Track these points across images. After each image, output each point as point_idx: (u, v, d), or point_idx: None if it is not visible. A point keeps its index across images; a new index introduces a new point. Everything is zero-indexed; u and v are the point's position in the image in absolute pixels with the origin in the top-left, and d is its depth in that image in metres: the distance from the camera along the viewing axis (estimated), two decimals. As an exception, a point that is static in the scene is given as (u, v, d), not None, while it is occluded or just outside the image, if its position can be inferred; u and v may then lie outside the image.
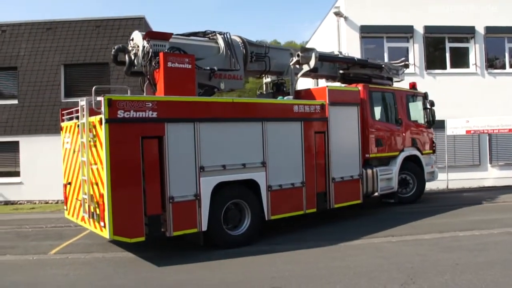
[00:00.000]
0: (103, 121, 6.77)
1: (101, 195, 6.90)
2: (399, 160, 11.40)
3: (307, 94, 10.06)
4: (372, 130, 10.71)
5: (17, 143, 16.71)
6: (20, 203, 16.16)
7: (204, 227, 7.70)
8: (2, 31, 17.22)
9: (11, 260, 8.02)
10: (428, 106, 12.41)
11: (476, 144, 16.86)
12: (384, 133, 11.06)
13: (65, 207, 8.86)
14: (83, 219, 7.87)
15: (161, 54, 7.83)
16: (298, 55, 9.78)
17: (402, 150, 11.55)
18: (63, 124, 8.84)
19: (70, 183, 8.46)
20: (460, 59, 17.23)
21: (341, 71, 11.36)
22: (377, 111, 11.19)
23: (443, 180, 15.57)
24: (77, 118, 7.89)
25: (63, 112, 8.93)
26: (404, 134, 11.63)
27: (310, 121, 9.32)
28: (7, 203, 16.35)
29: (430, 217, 10.32)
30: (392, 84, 12.35)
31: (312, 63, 9.74)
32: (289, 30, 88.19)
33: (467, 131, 15.65)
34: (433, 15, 16.47)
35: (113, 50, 8.38)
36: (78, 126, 7.82)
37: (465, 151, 16.88)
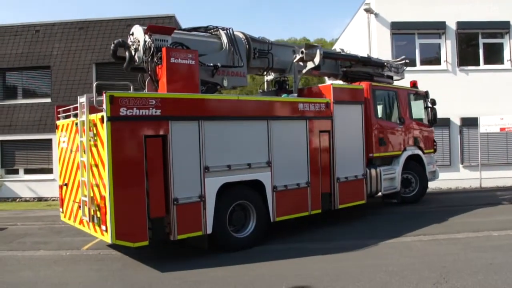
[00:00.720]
0: (105, 119, 6.41)
1: (103, 197, 6.55)
2: (402, 159, 11.22)
3: (310, 92, 9.80)
4: (376, 129, 10.50)
5: (50, 140, 16.94)
6: (53, 200, 16.33)
7: (209, 230, 7.40)
8: (36, 31, 17.66)
9: (45, 256, 8.09)
10: (430, 105, 12.26)
11: (511, 142, 16.50)
12: (387, 132, 10.87)
13: (60, 210, 8.45)
14: (81, 222, 7.49)
15: (163, 49, 7.49)
16: (302, 52, 9.51)
17: (404, 149, 11.37)
18: (58, 123, 8.44)
19: (66, 185, 8.07)
20: (494, 55, 16.85)
21: (343, 69, 11.12)
22: (380, 109, 11.00)
23: (476, 179, 15.60)
24: (75, 116, 7.52)
25: (58, 110, 8.52)
26: (406, 133, 11.46)
27: (315, 119, 9.07)
28: (40, 199, 16.84)
29: (460, 215, 10.25)
30: (393, 83, 12.17)
31: (317, 60, 9.48)
32: (318, 27, 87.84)
33: (501, 129, 15.28)
34: (466, 10, 16.16)
35: (112, 45, 8.00)
36: (76, 124, 7.44)
37: (498, 149, 16.50)
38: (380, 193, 10.73)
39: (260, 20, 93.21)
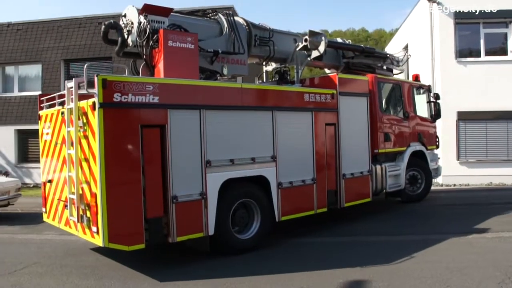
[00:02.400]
0: (97, 106, 5.65)
1: (93, 195, 5.78)
2: (407, 155, 10.71)
3: (313, 82, 9.20)
4: (381, 123, 9.96)
5: None
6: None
7: (211, 231, 6.70)
8: (99, 23, 18.09)
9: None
10: (433, 100, 11.80)
11: None
12: (392, 127, 10.34)
13: (43, 209, 7.62)
14: (67, 223, 6.70)
15: (161, 31, 6.77)
16: (306, 40, 8.87)
17: (408, 145, 10.87)
18: (41, 113, 7.61)
19: (50, 181, 7.26)
20: None
21: (345, 60, 10.55)
22: (385, 103, 10.46)
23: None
24: (61, 104, 6.73)
25: (41, 98, 7.69)
26: (410, 128, 10.96)
27: (320, 111, 8.47)
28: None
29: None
30: (393, 75, 11.68)
31: (322, 48, 8.86)
32: (378, 18, 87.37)
33: None
34: (536, -3, 15.43)
35: (102, 27, 7.23)
36: (62, 113, 6.66)
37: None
38: (384, 191, 10.19)
39: (318, 13, 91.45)
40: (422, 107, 11.80)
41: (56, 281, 6.05)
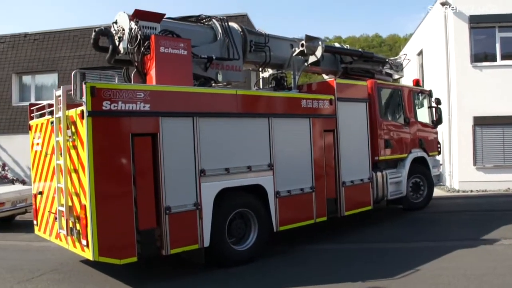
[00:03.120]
0: (85, 114, 5.46)
1: (83, 207, 5.57)
2: (408, 162, 10.46)
3: (310, 88, 9.01)
4: (381, 129, 9.73)
5: None
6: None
7: (206, 243, 6.47)
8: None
9: None
10: (434, 105, 11.60)
11: None
12: (393, 133, 10.11)
13: (35, 222, 7.40)
14: (58, 236, 6.48)
15: (152, 37, 6.60)
16: (302, 45, 8.70)
17: (410, 152, 10.63)
18: (32, 122, 7.43)
19: (41, 193, 7.06)
20: None
21: (343, 65, 10.36)
22: (385, 109, 10.24)
23: None
24: (51, 113, 6.55)
25: (31, 108, 7.51)
26: (411, 134, 10.73)
27: (318, 117, 8.27)
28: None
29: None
30: (392, 80, 11.49)
31: (319, 53, 8.65)
32: (391, 23, 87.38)
33: None
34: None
35: (93, 34, 7.06)
36: (51, 123, 6.47)
37: None
38: (385, 198, 9.94)
39: (332, 18, 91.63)
40: (423, 113, 11.60)
41: (73, 288, 6.00)
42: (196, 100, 6.56)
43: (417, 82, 11.75)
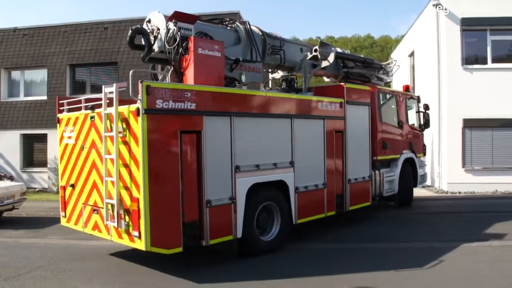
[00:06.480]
0: (141, 112, 5.74)
1: (135, 200, 5.85)
2: (400, 162, 11.29)
3: (320, 91, 9.56)
4: (380, 131, 10.48)
5: None
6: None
7: (239, 234, 6.91)
8: (105, 28, 17.98)
9: (109, 245, 7.85)
10: (422, 110, 12.50)
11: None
12: (389, 135, 10.89)
13: (62, 214, 7.53)
14: (96, 227, 6.69)
15: (191, 39, 6.91)
16: (316, 50, 9.26)
17: (401, 153, 11.46)
18: (61, 116, 7.53)
19: (73, 185, 7.20)
20: None
21: (344, 70, 11.00)
22: (383, 112, 10.98)
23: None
24: (91, 108, 6.73)
25: (61, 102, 7.61)
26: (403, 136, 11.57)
27: (331, 119, 8.87)
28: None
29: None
30: (383, 85, 12.27)
31: (332, 58, 9.27)
32: (383, 24, 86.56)
33: None
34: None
35: (130, 32, 7.25)
36: (92, 118, 6.66)
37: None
38: (381, 195, 10.70)
39: (324, 18, 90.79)
40: (411, 117, 12.47)
41: (60, 285, 6.09)
42: (233, 100, 6.96)
43: (407, 88, 12.59)
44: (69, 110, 7.46)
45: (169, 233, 6.00)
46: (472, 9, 15.16)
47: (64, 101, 7.56)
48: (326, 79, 11.49)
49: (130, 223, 5.95)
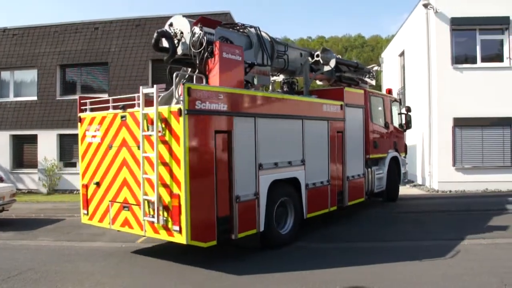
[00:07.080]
0: (183, 112, 6.07)
1: (175, 196, 6.16)
2: (387, 161, 12.11)
3: (321, 94, 10.14)
4: (372, 132, 11.23)
5: None
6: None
7: (262, 227, 7.37)
8: (95, 28, 17.88)
9: (101, 247, 8.32)
10: (404, 112, 13.40)
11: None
12: (379, 136, 11.67)
13: (84, 211, 7.65)
14: (126, 223, 6.92)
15: (217, 43, 7.27)
16: (317, 55, 9.85)
17: (388, 152, 12.29)
18: (83, 115, 7.66)
19: (98, 183, 7.36)
20: None
21: (337, 74, 11.66)
22: (374, 114, 11.74)
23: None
24: (122, 108, 6.96)
25: (82, 101, 7.73)
26: (390, 136, 12.40)
27: (334, 120, 9.50)
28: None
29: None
30: (368, 87, 13.04)
31: (333, 63, 9.89)
32: (374, 24, 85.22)
33: None
34: (530, 4, 15.21)
35: (155, 34, 7.50)
36: (123, 117, 6.89)
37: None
38: (372, 191, 11.44)
39: (315, 17, 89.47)
40: (396, 118, 13.33)
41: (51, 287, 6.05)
42: (256, 102, 7.42)
43: (390, 91, 13.48)
44: (92, 110, 7.61)
45: (206, 227, 6.36)
46: (461, 9, 15.36)
47: (87, 100, 7.69)
48: (318, 82, 12.10)
49: (169, 218, 6.25)
